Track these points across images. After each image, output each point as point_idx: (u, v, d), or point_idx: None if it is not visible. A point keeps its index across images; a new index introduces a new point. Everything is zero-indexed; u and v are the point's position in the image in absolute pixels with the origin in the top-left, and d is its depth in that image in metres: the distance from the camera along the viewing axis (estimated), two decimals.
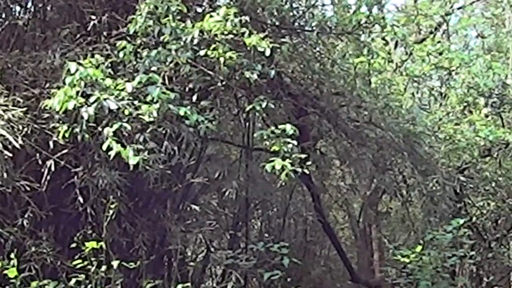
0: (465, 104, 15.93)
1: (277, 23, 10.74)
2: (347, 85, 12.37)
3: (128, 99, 8.11)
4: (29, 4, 11.28)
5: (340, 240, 17.39)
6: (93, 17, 10.22)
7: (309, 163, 9.41)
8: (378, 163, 12.63)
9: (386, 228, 19.85)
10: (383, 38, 13.94)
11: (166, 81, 8.81)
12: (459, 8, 19.34)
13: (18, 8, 11.28)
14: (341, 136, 12.81)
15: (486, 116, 15.40)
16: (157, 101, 8.03)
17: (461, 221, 11.32)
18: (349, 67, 12.62)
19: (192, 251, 14.34)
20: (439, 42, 16.72)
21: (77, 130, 8.16)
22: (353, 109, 12.41)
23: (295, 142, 8.68)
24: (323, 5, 11.96)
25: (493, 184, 15.12)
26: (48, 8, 11.32)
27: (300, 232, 17.90)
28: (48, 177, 9.29)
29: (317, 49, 12.06)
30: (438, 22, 18.64)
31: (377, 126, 12.26)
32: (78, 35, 10.25)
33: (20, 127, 8.74)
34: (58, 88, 8.34)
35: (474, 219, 15.87)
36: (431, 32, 18.81)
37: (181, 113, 8.21)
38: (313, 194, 14.08)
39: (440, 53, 15.86)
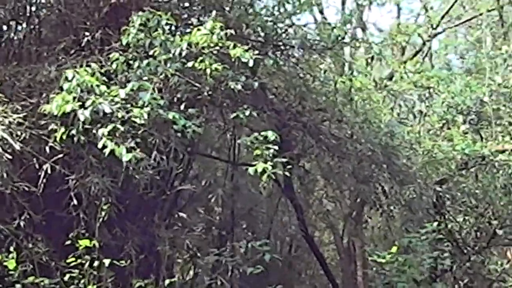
0: (444, 121, 16.54)
1: (261, 40, 11.30)
2: (329, 101, 12.91)
3: (121, 104, 8.69)
4: (26, 21, 11.87)
5: (325, 259, 17.75)
6: (87, 33, 10.79)
7: (290, 170, 9.86)
8: (358, 175, 13.15)
9: (369, 244, 20.29)
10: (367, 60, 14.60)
11: (156, 91, 9.36)
12: (440, 33, 20.13)
13: (14, 24, 11.85)
14: (324, 151, 13.29)
15: (465, 133, 15.96)
16: (147, 105, 8.62)
17: (435, 224, 11.82)
18: (331, 84, 13.19)
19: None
20: (418, 62, 17.39)
21: (74, 132, 8.69)
22: (334, 123, 12.94)
23: (276, 147, 9.18)
24: (305, 25, 12.51)
25: (471, 197, 15.60)
26: (43, 25, 11.91)
27: (285, 250, 18.36)
28: (45, 183, 9.78)
29: (300, 66, 12.58)
30: (421, 44, 19.45)
31: (357, 140, 12.79)
32: (72, 51, 10.82)
33: (19, 133, 9.24)
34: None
35: (454, 233, 16.33)
36: (415, 54, 19.60)
37: (170, 117, 8.79)
38: (296, 206, 14.58)
39: (419, 72, 16.53)
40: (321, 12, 19.34)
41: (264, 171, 8.86)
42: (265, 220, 16.84)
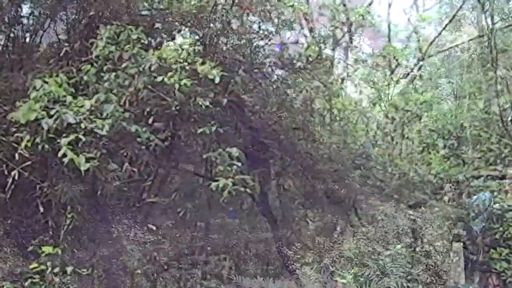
0: (425, 145, 16.69)
1: (237, 57, 11.47)
2: (305, 120, 13.05)
3: (86, 115, 8.84)
4: (9, 30, 12.06)
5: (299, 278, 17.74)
6: (66, 44, 10.98)
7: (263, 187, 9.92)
8: (331, 195, 13.26)
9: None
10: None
11: (127, 104, 9.51)
12: (424, 58, 20.33)
13: None
14: (299, 170, 13.41)
15: (446, 157, 16.09)
16: (110, 117, 8.77)
17: (398, 246, 11.94)
18: (308, 104, 13.33)
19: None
20: (402, 85, 17.57)
21: (38, 140, 8.84)
22: (309, 143, 13.07)
23: (239, 164, 9.32)
24: (284, 43, 12.66)
25: (446, 222, 15.69)
26: (27, 33, 12.12)
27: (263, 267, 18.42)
28: (16, 189, 9.94)
29: (277, 85, 12.72)
30: (411, 67, 19.66)
31: (331, 160, 12.91)
32: (52, 60, 11.00)
33: None
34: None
35: (431, 257, 16.40)
36: (403, 77, 19.78)
37: (133, 129, 8.94)
38: (271, 222, 14.67)
39: (402, 95, 16.73)
40: (310, 30, 19.49)
41: (224, 187, 9.00)
42: (243, 235, 16.88)
